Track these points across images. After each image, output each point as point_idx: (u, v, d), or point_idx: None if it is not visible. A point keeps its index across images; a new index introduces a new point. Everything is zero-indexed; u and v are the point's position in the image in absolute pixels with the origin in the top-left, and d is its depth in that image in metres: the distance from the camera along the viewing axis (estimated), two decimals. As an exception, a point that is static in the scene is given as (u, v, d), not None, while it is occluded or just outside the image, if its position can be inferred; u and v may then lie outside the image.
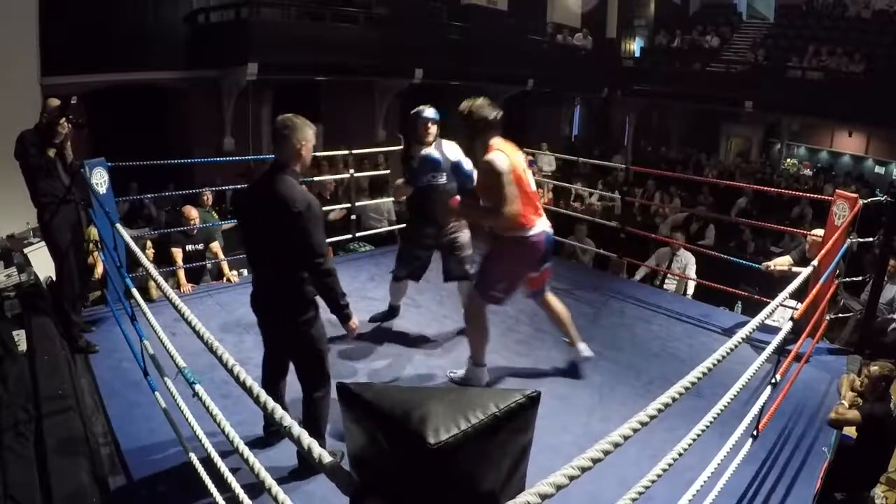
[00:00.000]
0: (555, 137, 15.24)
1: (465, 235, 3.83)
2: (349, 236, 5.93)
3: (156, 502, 2.52)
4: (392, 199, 7.52)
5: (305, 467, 2.59)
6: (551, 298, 3.58)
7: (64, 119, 3.41)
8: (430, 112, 3.66)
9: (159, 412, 2.69)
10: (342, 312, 2.57)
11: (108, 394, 3.26)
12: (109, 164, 4.10)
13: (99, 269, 4.70)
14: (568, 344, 3.64)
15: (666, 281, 6.35)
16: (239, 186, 6.41)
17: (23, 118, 3.68)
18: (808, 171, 15.14)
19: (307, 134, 2.48)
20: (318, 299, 2.57)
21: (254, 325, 4.08)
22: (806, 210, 9.85)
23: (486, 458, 1.02)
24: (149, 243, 5.24)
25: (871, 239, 4.26)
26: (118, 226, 3.11)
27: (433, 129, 3.67)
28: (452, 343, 4.02)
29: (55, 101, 3.45)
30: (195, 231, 5.10)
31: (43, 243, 3.89)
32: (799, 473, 2.86)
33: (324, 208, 6.61)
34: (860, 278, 4.72)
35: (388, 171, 8.56)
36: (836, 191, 4.29)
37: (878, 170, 14.82)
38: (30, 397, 2.96)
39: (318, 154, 9.16)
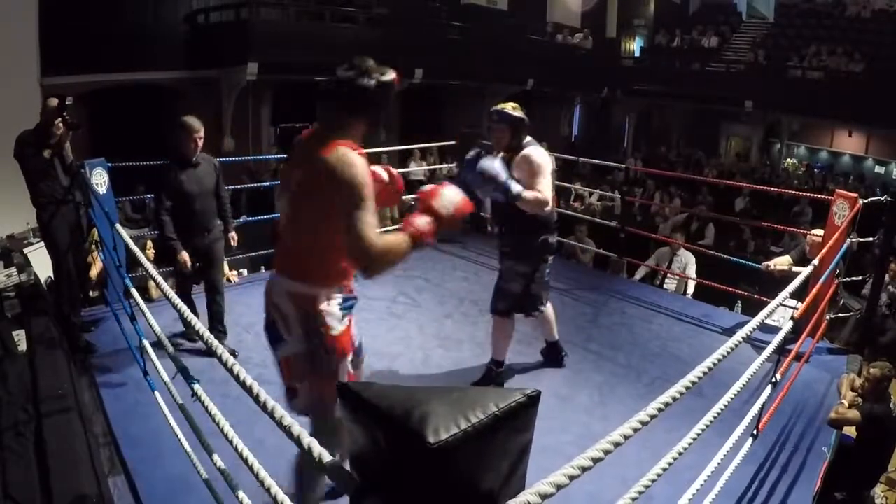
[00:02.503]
0: (555, 137, 15.24)
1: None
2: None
3: (155, 502, 2.51)
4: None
5: None
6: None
7: (59, 119, 3.39)
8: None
9: (159, 412, 2.69)
10: (169, 250, 3.57)
11: (108, 394, 3.25)
12: (109, 164, 4.10)
13: (94, 271, 4.69)
14: None
15: (666, 281, 6.35)
16: (238, 186, 6.50)
17: (23, 118, 3.68)
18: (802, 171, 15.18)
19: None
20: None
21: (253, 324, 4.11)
22: (806, 210, 9.86)
23: (486, 458, 1.02)
24: (149, 243, 5.24)
25: (871, 239, 4.26)
26: (118, 226, 3.11)
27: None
28: (453, 343, 4.03)
29: (54, 101, 3.43)
30: (195, 231, 5.10)
31: (43, 243, 3.89)
32: (799, 473, 2.85)
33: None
34: (860, 278, 4.73)
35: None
36: (836, 191, 4.29)
37: (878, 170, 14.82)
38: (30, 397, 2.96)
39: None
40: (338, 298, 1.92)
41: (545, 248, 3.26)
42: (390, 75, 1.83)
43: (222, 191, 3.82)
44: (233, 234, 3.97)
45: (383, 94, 1.82)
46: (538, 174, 3.02)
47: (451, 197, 1.78)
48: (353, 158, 1.73)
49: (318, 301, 1.88)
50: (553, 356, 3.75)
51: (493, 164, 2.94)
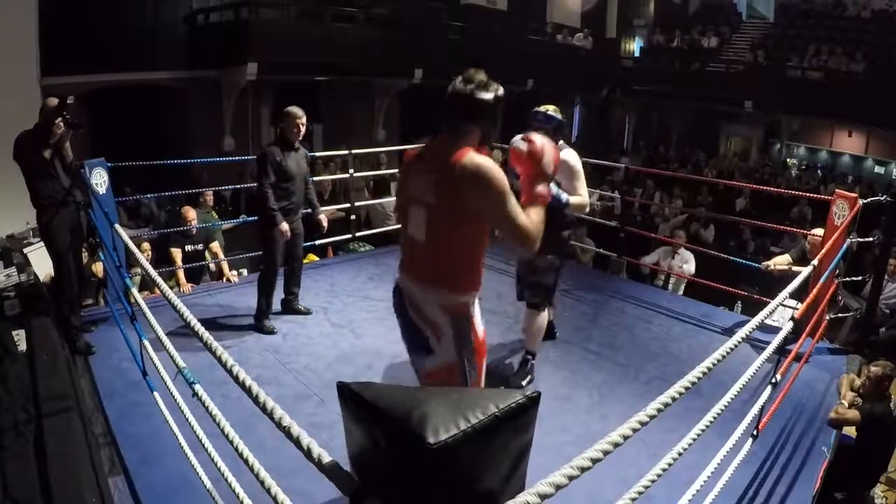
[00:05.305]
0: (555, 137, 15.20)
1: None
2: (349, 236, 5.93)
3: (155, 502, 2.51)
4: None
5: None
6: None
7: (59, 119, 3.38)
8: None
9: (159, 412, 2.69)
10: (269, 222, 3.87)
11: (108, 394, 3.25)
12: (109, 164, 4.10)
13: (99, 272, 4.68)
14: None
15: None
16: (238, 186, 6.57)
17: (23, 118, 3.67)
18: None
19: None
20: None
21: (253, 324, 4.12)
22: (805, 209, 9.86)
23: (485, 458, 1.02)
24: (146, 244, 5.24)
25: (871, 239, 4.26)
26: (117, 227, 3.11)
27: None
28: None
29: (53, 101, 3.41)
30: (194, 231, 5.11)
31: (43, 243, 3.88)
32: (799, 473, 2.86)
33: (321, 208, 6.72)
34: (860, 278, 4.72)
35: (388, 171, 8.62)
36: (836, 191, 4.29)
37: (878, 170, 14.82)
38: (30, 397, 2.96)
39: (317, 154, 9.22)
40: (478, 300, 2.02)
41: (567, 242, 3.49)
42: (500, 90, 2.00)
43: (309, 176, 4.19)
44: (323, 217, 4.34)
45: (498, 106, 1.96)
46: (578, 178, 3.15)
47: (549, 154, 1.96)
48: (484, 161, 1.84)
49: (469, 306, 1.98)
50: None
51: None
